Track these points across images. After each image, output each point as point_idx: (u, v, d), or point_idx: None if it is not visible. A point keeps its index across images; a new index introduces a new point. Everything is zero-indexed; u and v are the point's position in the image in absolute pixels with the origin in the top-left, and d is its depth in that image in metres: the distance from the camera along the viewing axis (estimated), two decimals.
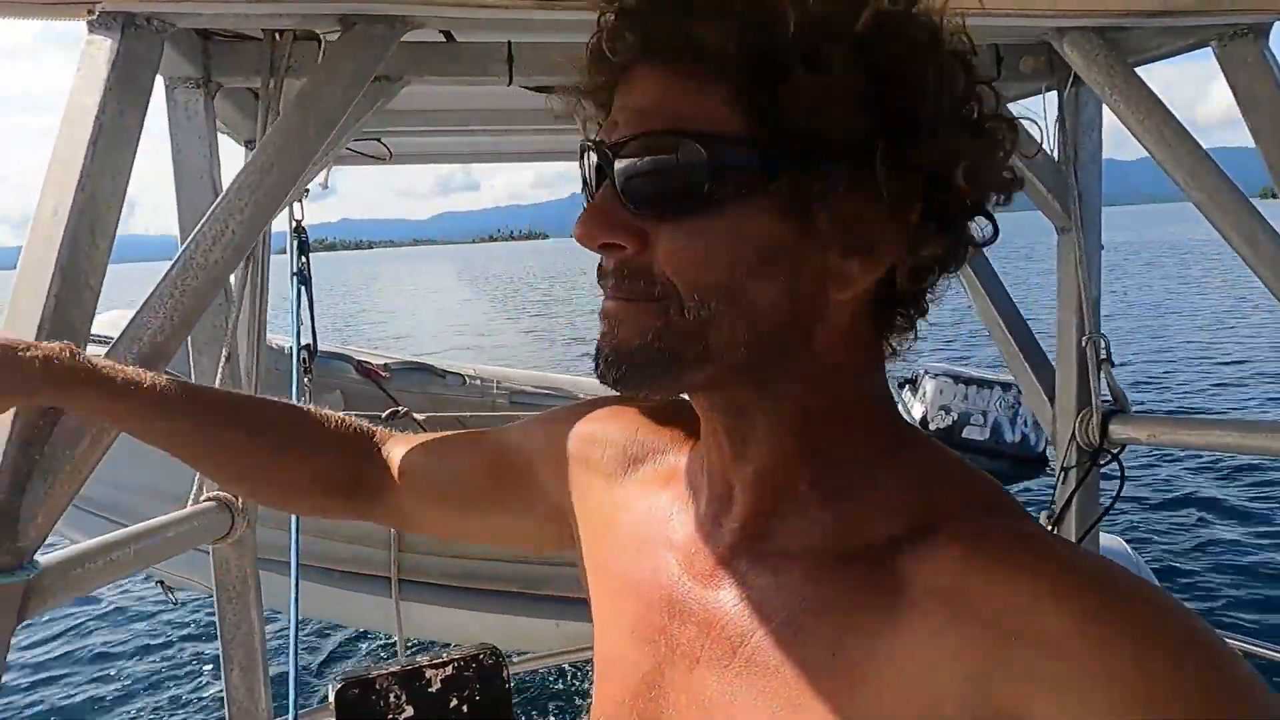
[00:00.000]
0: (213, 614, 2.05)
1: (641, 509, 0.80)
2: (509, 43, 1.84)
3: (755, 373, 0.65)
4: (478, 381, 5.75)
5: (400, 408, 4.94)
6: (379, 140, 3.08)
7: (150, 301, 1.27)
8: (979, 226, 0.65)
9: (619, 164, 0.63)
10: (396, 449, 1.04)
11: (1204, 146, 1.76)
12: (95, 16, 1.24)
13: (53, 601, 1.17)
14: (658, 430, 0.86)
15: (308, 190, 3.33)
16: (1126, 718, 0.49)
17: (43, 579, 1.13)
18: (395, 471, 1.02)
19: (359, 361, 5.44)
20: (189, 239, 1.33)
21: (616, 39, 0.64)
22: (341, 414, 1.06)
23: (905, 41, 0.59)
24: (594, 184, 0.66)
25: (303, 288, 4.32)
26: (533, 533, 0.97)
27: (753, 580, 0.67)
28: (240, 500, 1.85)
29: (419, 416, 4.88)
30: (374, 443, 1.06)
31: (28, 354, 0.88)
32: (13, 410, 1.10)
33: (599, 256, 0.67)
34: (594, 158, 0.66)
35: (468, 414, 5.24)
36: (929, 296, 0.68)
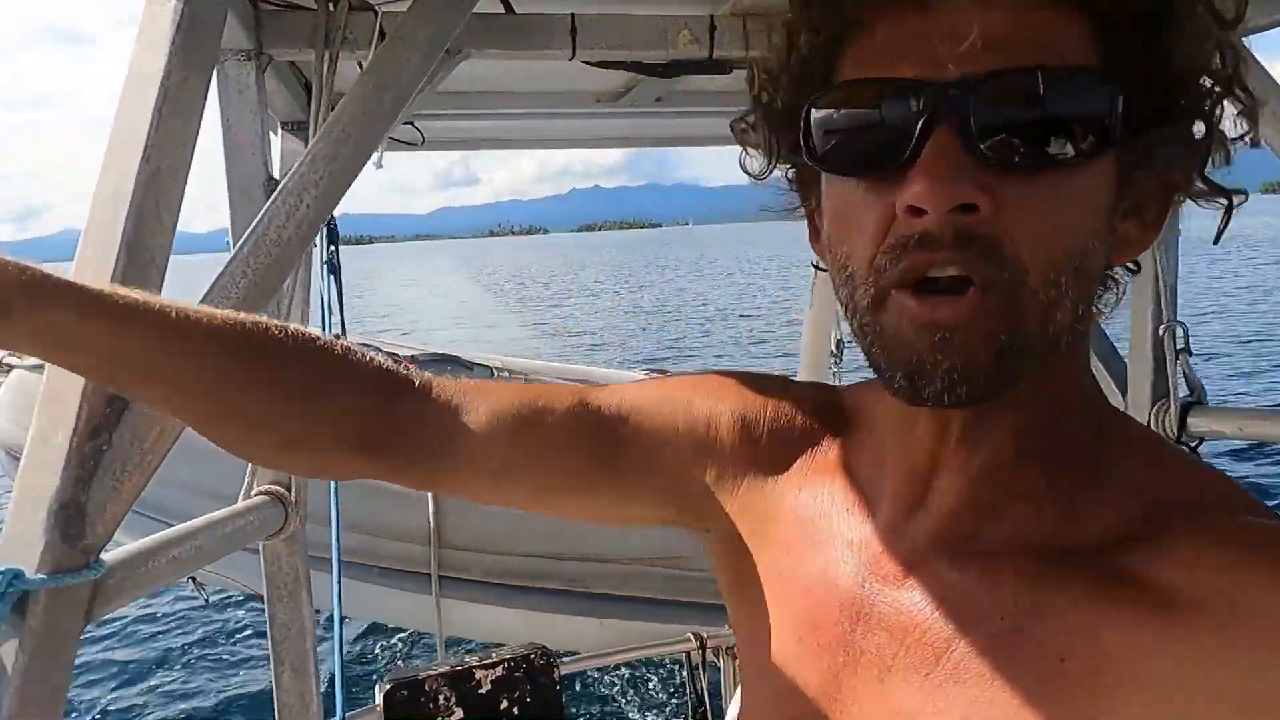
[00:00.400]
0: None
1: (804, 502, 0.72)
2: (572, 15, 1.76)
3: (1053, 356, 0.57)
4: (505, 374, 5.67)
5: None
6: (411, 123, 3.00)
7: (215, 290, 1.19)
8: None
9: (979, 105, 0.52)
10: (458, 399, 0.82)
11: None
12: None
13: (118, 601, 1.09)
14: (802, 416, 0.78)
15: None
16: None
17: (109, 578, 1.06)
18: (456, 426, 0.81)
19: (388, 353, 5.37)
20: (254, 226, 1.25)
21: None
22: (379, 354, 0.86)
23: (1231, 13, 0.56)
24: (917, 134, 0.53)
25: (332, 277, 4.27)
26: (635, 511, 0.84)
27: (956, 582, 0.60)
28: (293, 494, 1.77)
29: None
30: (425, 389, 0.83)
31: None
32: (78, 398, 1.02)
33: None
34: (917, 100, 0.53)
35: None
36: None
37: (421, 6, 1.34)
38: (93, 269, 1.05)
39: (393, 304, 43.40)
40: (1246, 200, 0.62)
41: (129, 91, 1.13)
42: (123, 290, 0.70)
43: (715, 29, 1.78)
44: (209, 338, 0.72)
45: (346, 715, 2.25)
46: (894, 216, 0.54)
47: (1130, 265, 0.63)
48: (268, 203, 1.28)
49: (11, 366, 3.91)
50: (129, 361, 0.70)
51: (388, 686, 2.28)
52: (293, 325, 0.80)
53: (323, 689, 2.01)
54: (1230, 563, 0.52)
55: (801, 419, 0.77)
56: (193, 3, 1.17)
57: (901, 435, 0.65)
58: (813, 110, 0.59)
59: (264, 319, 0.78)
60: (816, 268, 2.59)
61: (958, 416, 0.61)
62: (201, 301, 1.16)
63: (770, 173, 0.69)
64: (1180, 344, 2.23)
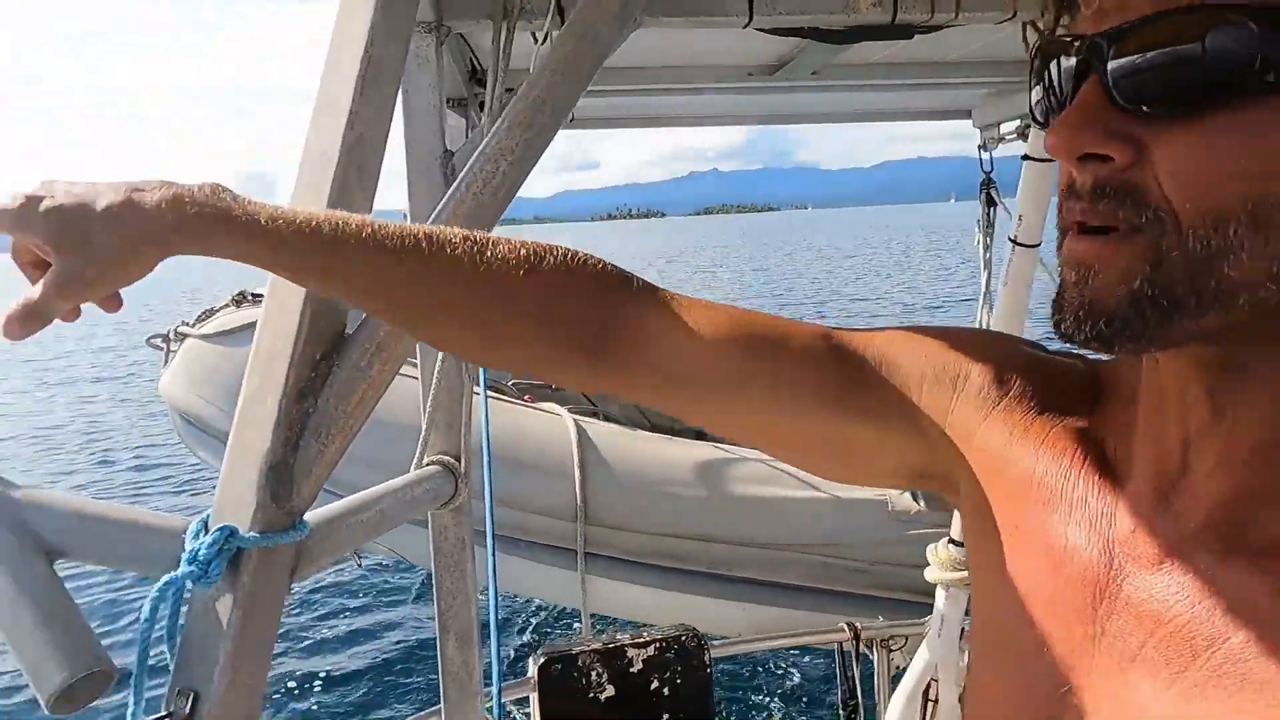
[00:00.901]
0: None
1: (1050, 469, 0.68)
2: None
3: (1267, 323, 0.52)
4: None
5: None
6: None
7: None
8: None
9: (1118, 52, 0.51)
10: (684, 306, 0.80)
11: None
12: None
13: (319, 563, 1.11)
14: (1052, 381, 0.73)
15: None
16: None
17: (310, 539, 1.08)
18: (689, 336, 0.78)
19: None
20: (440, 208, 1.25)
21: None
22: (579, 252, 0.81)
23: None
24: (1068, 89, 0.55)
25: None
26: (881, 463, 0.80)
27: (1224, 575, 0.55)
28: (462, 464, 1.79)
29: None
30: (645, 290, 0.81)
31: (152, 197, 0.74)
32: (287, 363, 1.04)
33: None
34: (1073, 54, 0.55)
35: None
36: None
37: None
38: None
39: None
40: None
41: (332, 57, 1.14)
42: (291, 213, 0.76)
43: None
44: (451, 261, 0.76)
45: (502, 685, 2.28)
46: None
47: None
48: (453, 185, 1.27)
49: (185, 335, 4.13)
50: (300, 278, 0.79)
51: (542, 659, 2.30)
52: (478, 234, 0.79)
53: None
54: None
55: (1051, 384, 0.73)
56: None
57: (1156, 406, 0.61)
58: (1032, 67, 0.60)
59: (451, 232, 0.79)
60: (1014, 242, 2.43)
61: (1202, 387, 0.57)
62: None
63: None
64: None
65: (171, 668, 0.97)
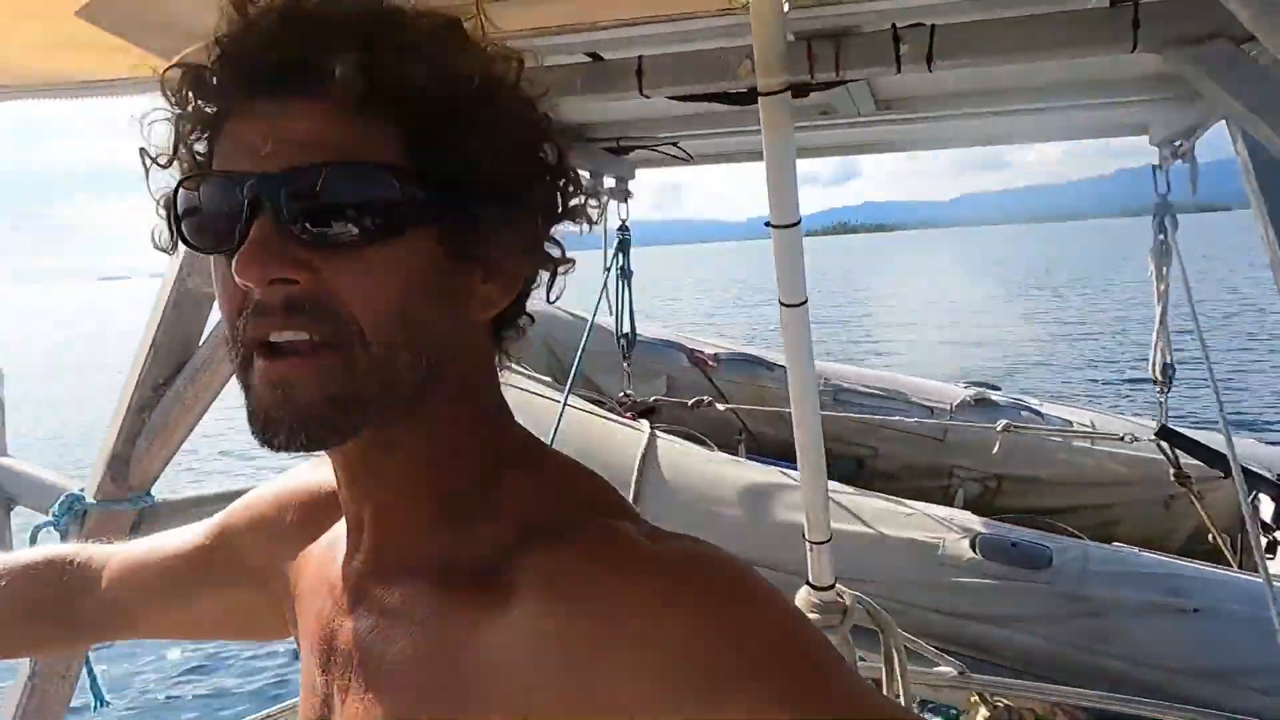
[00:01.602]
0: None
1: (317, 559, 0.81)
2: None
3: (415, 402, 0.66)
4: None
5: (707, 397, 5.21)
6: None
7: None
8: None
9: (290, 194, 0.60)
10: (105, 566, 0.99)
11: None
12: None
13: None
14: (297, 502, 0.87)
15: (631, 193, 3.69)
16: (701, 685, 0.54)
17: (153, 509, 1.55)
18: (107, 588, 0.98)
19: (691, 350, 5.78)
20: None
21: (270, 63, 0.61)
22: (26, 555, 1.04)
23: (522, 97, 0.68)
24: (242, 220, 0.61)
25: (624, 281, 4.76)
26: (247, 614, 0.94)
27: (385, 603, 0.69)
28: None
29: (721, 408, 5.09)
30: (73, 566, 1.01)
31: None
32: (135, 385, 1.51)
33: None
34: (239, 191, 0.61)
35: (787, 410, 5.30)
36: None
37: None
38: None
39: (896, 294, 43.01)
40: (572, 269, 0.73)
41: None
42: None
43: None
44: None
45: None
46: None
47: (524, 319, 0.74)
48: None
49: None
50: None
51: None
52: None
53: None
54: (562, 560, 0.61)
55: (308, 499, 0.87)
56: None
57: (341, 480, 0.73)
58: (179, 192, 0.66)
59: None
60: None
61: (357, 460, 0.69)
62: None
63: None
64: None
65: None
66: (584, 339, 3.82)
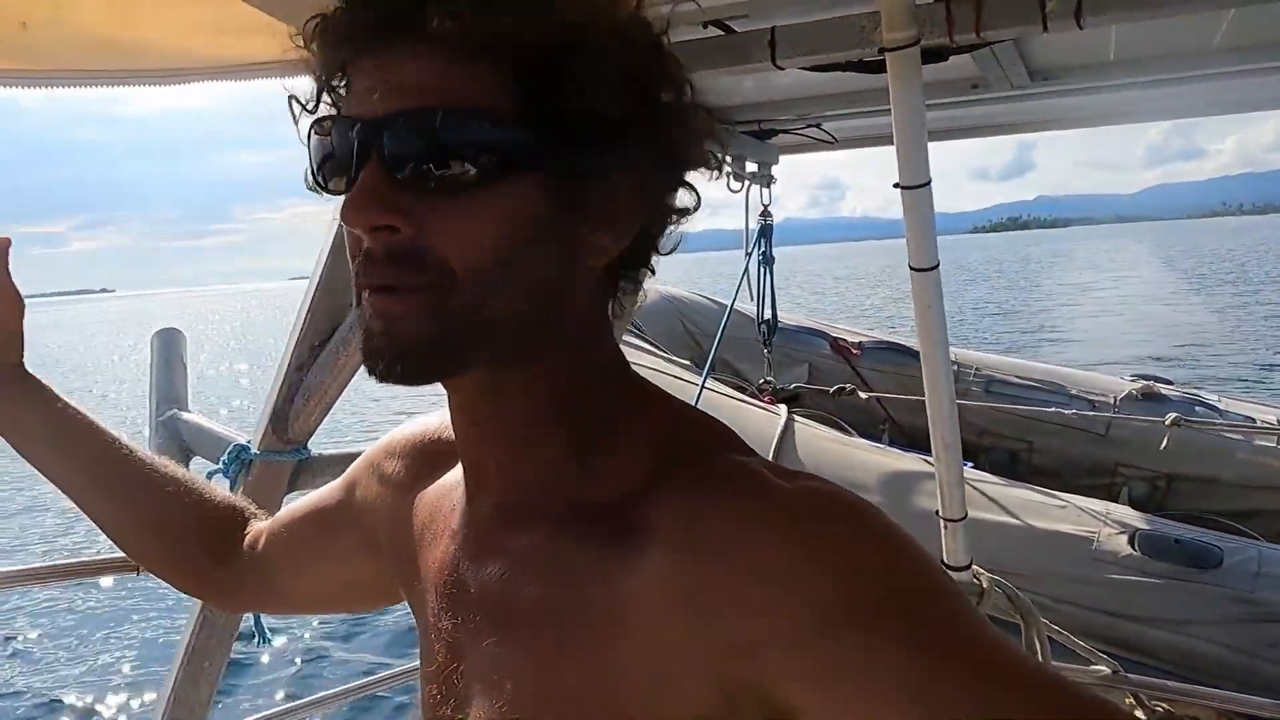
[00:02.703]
0: None
1: (431, 506, 0.82)
2: None
3: (522, 346, 0.67)
4: (953, 366, 5.54)
5: (849, 385, 5.10)
6: None
7: None
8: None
9: (393, 139, 0.62)
10: (258, 533, 1.03)
11: None
12: None
13: (314, 482, 1.70)
14: (408, 452, 0.89)
15: (774, 177, 3.69)
16: (835, 627, 0.55)
17: (309, 463, 1.67)
18: (259, 551, 1.02)
19: (834, 338, 5.68)
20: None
21: (379, 12, 0.63)
22: (226, 493, 1.09)
23: (650, 38, 0.67)
24: (353, 164, 0.63)
25: (766, 268, 4.75)
26: (363, 576, 0.95)
27: (513, 547, 0.70)
28: None
29: (864, 396, 4.98)
30: (246, 521, 1.06)
31: None
32: (293, 346, 1.63)
33: None
34: (353, 133, 0.63)
35: None
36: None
37: None
38: None
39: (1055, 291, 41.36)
40: (695, 211, 0.71)
41: None
42: (72, 416, 1.00)
43: None
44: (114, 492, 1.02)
45: None
46: None
47: (645, 270, 0.73)
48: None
49: None
50: (48, 470, 1.01)
51: None
52: (162, 467, 1.05)
53: None
54: (693, 505, 0.61)
55: (417, 449, 0.88)
56: None
57: (460, 424, 0.75)
58: (311, 136, 0.69)
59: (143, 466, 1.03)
60: None
61: (477, 403, 0.71)
62: None
63: None
64: None
65: None
66: (722, 323, 3.82)
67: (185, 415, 1.80)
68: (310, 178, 0.70)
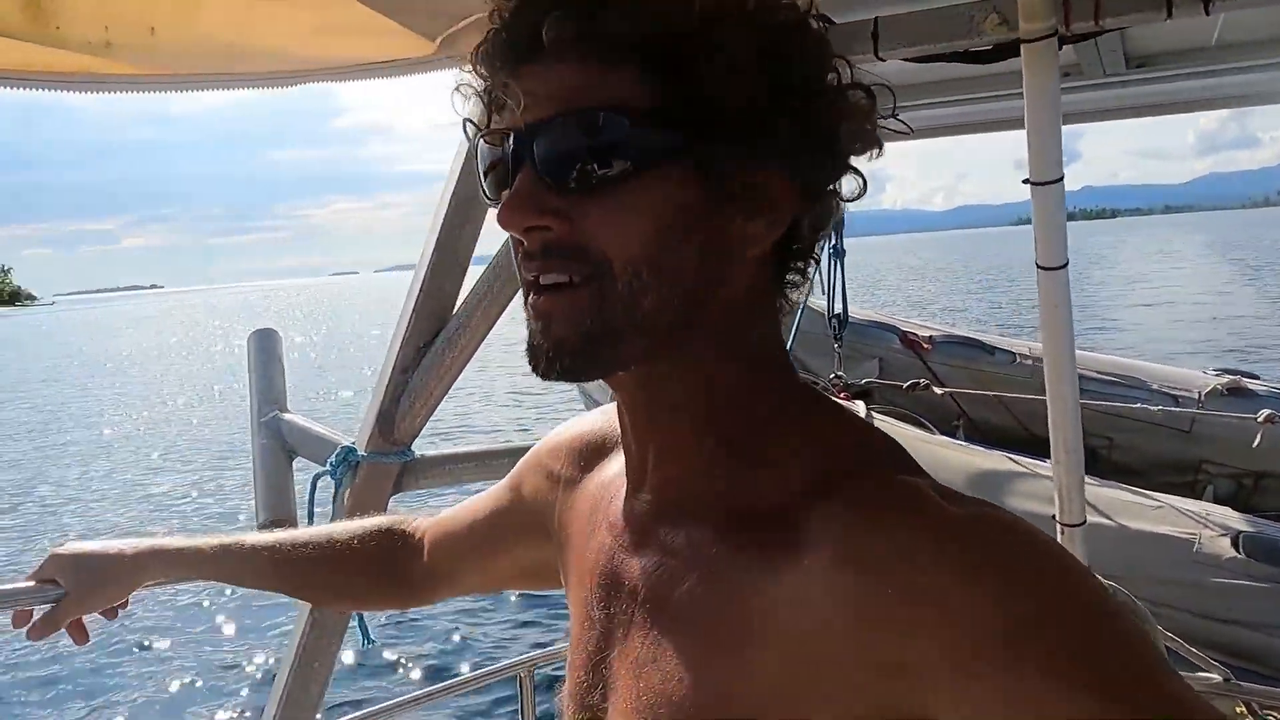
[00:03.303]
0: None
1: (593, 499, 0.84)
2: None
3: (677, 339, 0.67)
4: (1029, 361, 5.41)
5: (922, 380, 5.00)
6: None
7: None
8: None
9: (540, 145, 0.64)
10: (426, 533, 1.11)
11: None
12: None
13: (419, 482, 1.69)
14: (578, 444, 0.91)
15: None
16: (997, 657, 0.53)
17: (413, 464, 1.66)
18: (429, 554, 1.09)
19: (904, 332, 5.58)
20: None
21: (520, 31, 0.66)
22: (369, 524, 1.15)
23: (787, 20, 0.66)
24: (510, 171, 0.66)
25: (836, 261, 4.67)
26: (539, 564, 0.98)
27: (670, 544, 0.70)
28: None
29: (939, 392, 4.88)
30: (404, 536, 1.13)
31: (123, 559, 1.09)
32: (398, 349, 1.63)
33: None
34: (508, 144, 0.66)
35: (1010, 395, 5.02)
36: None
37: None
38: None
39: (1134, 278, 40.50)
40: (861, 195, 0.70)
41: None
42: (198, 547, 1.12)
43: None
44: (248, 576, 1.15)
45: None
46: None
47: (808, 262, 0.72)
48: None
49: None
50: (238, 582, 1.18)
51: None
52: (307, 537, 1.14)
53: None
54: (858, 518, 0.59)
55: (607, 425, 0.90)
56: None
57: (623, 417, 0.75)
58: (478, 149, 0.72)
59: (291, 546, 1.13)
60: None
61: (638, 397, 0.72)
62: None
63: None
64: None
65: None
66: (796, 319, 3.77)
67: (286, 416, 1.81)
68: (481, 191, 0.73)
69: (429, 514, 1.13)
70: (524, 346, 0.69)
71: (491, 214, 0.69)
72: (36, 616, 1.07)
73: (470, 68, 0.71)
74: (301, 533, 1.16)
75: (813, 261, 0.73)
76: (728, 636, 0.63)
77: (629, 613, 0.71)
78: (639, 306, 0.64)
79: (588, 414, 0.95)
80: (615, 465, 0.82)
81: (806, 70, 0.65)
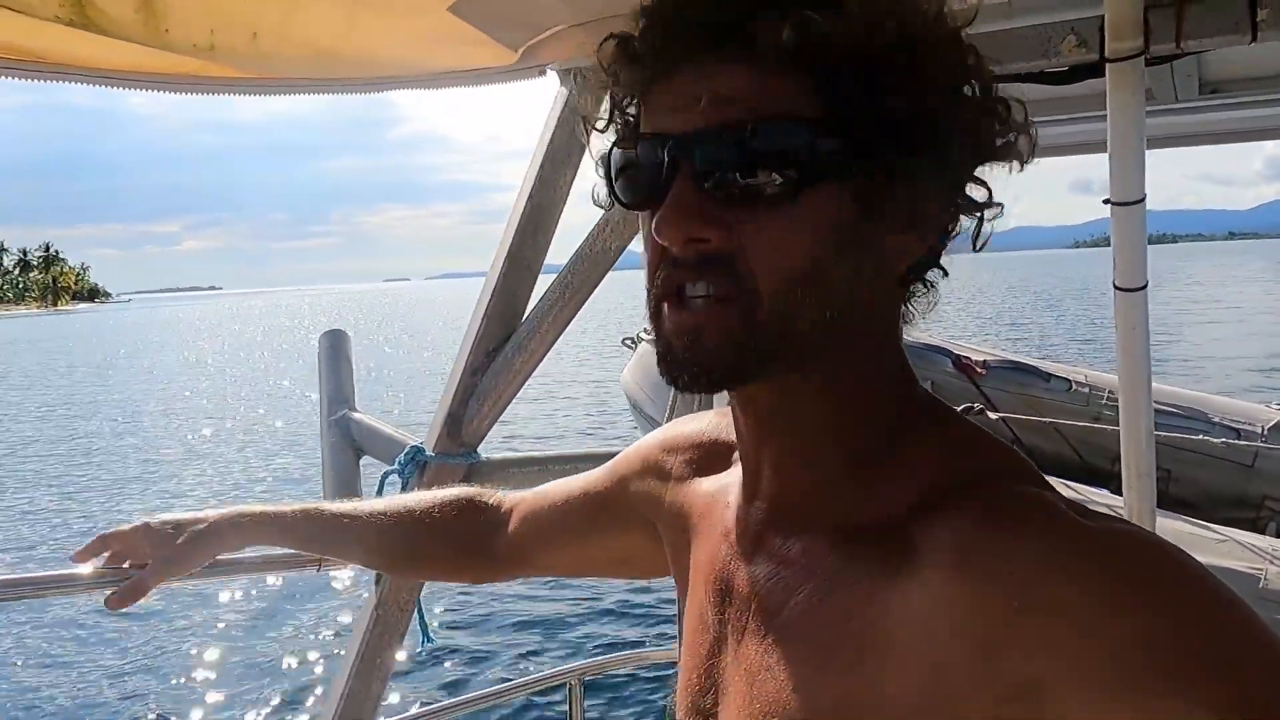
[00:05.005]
0: None
1: (706, 502, 0.84)
2: None
3: (819, 355, 0.66)
4: (1085, 389, 5.32)
5: (975, 405, 4.94)
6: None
7: None
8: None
9: (706, 152, 0.63)
10: (513, 510, 1.12)
11: None
12: None
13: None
14: (694, 444, 0.92)
15: None
16: (1134, 676, 0.51)
17: (478, 466, 1.69)
18: (514, 529, 1.10)
19: (957, 356, 5.51)
20: None
21: (678, 30, 0.64)
22: (448, 494, 1.17)
23: (944, 36, 0.64)
24: (665, 177, 0.64)
25: None
26: (635, 554, 1.01)
27: (785, 553, 0.70)
28: None
29: (993, 417, 4.80)
30: (486, 508, 1.14)
31: (205, 525, 1.12)
32: (469, 353, 1.66)
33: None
34: (661, 151, 0.64)
35: (1064, 421, 4.94)
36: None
37: None
38: None
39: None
40: (999, 214, 0.68)
41: None
42: (302, 513, 1.15)
43: None
44: (333, 545, 1.19)
45: None
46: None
47: (939, 269, 0.70)
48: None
49: (642, 339, 5.12)
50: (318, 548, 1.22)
51: None
52: (395, 507, 1.16)
53: None
54: (980, 533, 0.58)
55: (723, 428, 0.89)
56: None
57: (740, 426, 0.75)
58: (612, 153, 0.70)
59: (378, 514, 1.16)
60: None
61: (762, 407, 0.71)
62: None
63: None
64: None
65: None
66: None
67: (355, 415, 1.85)
68: (608, 193, 0.72)
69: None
70: (657, 358, 0.68)
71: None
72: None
73: (600, 67, 0.69)
74: (378, 501, 1.18)
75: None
76: (844, 648, 0.62)
77: (743, 619, 0.71)
78: (789, 323, 0.63)
79: (703, 414, 0.96)
80: (731, 471, 0.82)
81: (964, 84, 0.65)
